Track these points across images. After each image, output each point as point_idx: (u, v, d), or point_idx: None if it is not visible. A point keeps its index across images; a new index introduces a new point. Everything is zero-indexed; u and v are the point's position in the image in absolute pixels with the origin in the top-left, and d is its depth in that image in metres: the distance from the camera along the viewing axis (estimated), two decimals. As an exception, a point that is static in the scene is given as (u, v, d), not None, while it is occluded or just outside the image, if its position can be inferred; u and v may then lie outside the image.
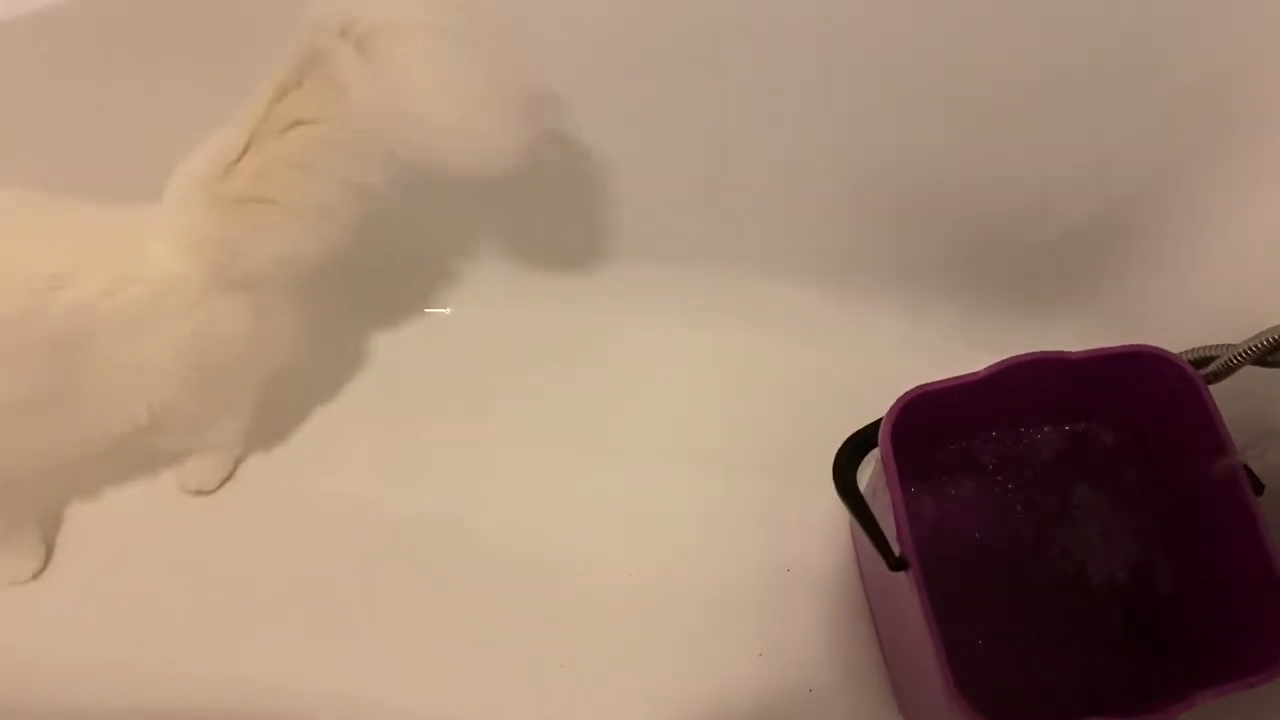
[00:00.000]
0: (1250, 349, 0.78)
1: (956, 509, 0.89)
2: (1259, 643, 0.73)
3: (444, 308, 1.12)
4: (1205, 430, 0.78)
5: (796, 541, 1.00)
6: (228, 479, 1.00)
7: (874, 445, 0.81)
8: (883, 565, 0.76)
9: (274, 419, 1.03)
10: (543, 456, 1.04)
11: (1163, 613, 0.85)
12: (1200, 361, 0.82)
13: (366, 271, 1.04)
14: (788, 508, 1.01)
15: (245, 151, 0.75)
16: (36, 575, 0.95)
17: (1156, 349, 0.80)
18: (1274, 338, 0.76)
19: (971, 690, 0.72)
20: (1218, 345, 0.81)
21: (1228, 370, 0.80)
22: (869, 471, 0.87)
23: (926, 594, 0.74)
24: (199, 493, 0.99)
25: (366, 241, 1.02)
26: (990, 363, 0.80)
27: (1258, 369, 0.80)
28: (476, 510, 1.00)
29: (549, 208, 1.04)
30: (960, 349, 0.88)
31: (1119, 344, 0.81)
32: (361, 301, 1.10)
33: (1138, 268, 0.92)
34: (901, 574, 0.76)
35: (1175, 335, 0.84)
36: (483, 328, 1.11)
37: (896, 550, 0.76)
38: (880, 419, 0.80)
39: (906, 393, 0.80)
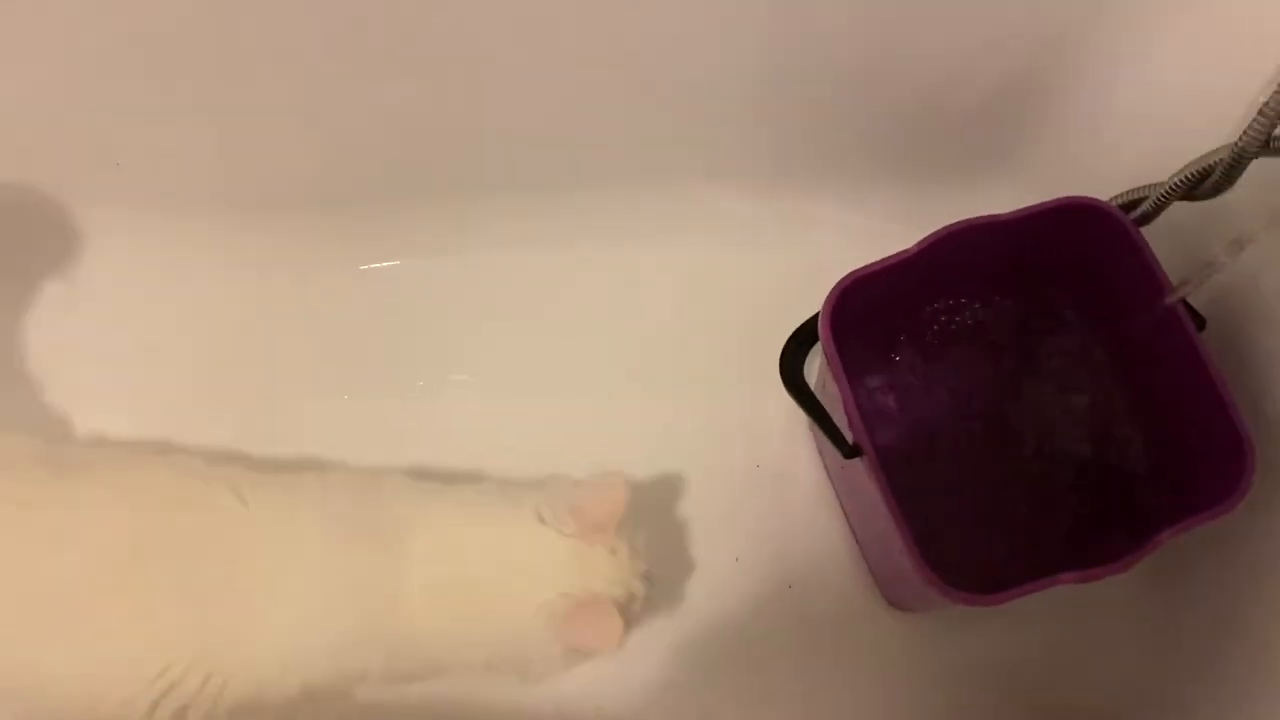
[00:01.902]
0: (1176, 185, 0.77)
1: (909, 389, 0.88)
2: (1216, 477, 0.73)
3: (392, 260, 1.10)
4: (1142, 272, 0.78)
5: (762, 443, 0.99)
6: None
7: (818, 338, 0.80)
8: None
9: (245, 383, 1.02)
10: (495, 399, 1.03)
11: (1125, 465, 0.86)
12: (1130, 205, 0.81)
13: (305, 227, 1.04)
14: (749, 411, 1.01)
15: None
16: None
17: (1084, 198, 0.79)
18: (1197, 170, 0.75)
19: (944, 566, 0.73)
20: (1145, 186, 0.80)
21: (1157, 209, 0.79)
22: (820, 364, 0.86)
23: (884, 478, 0.74)
24: None
25: (306, 196, 1.02)
26: (933, 239, 0.79)
27: (1187, 204, 0.79)
28: (455, 455, 0.98)
29: (462, 150, 1.01)
30: (901, 230, 0.85)
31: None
32: (301, 258, 1.07)
33: (1059, 121, 0.91)
34: (858, 461, 0.76)
35: (1105, 184, 0.83)
36: (422, 279, 1.09)
37: (850, 439, 0.76)
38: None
39: (840, 280, 0.79)
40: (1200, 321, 0.78)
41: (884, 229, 0.99)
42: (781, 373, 0.85)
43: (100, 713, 0.67)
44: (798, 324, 0.84)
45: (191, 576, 0.68)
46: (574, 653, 0.72)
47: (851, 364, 0.78)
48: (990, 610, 0.72)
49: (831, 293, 0.79)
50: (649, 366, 1.04)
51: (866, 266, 0.79)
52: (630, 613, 0.75)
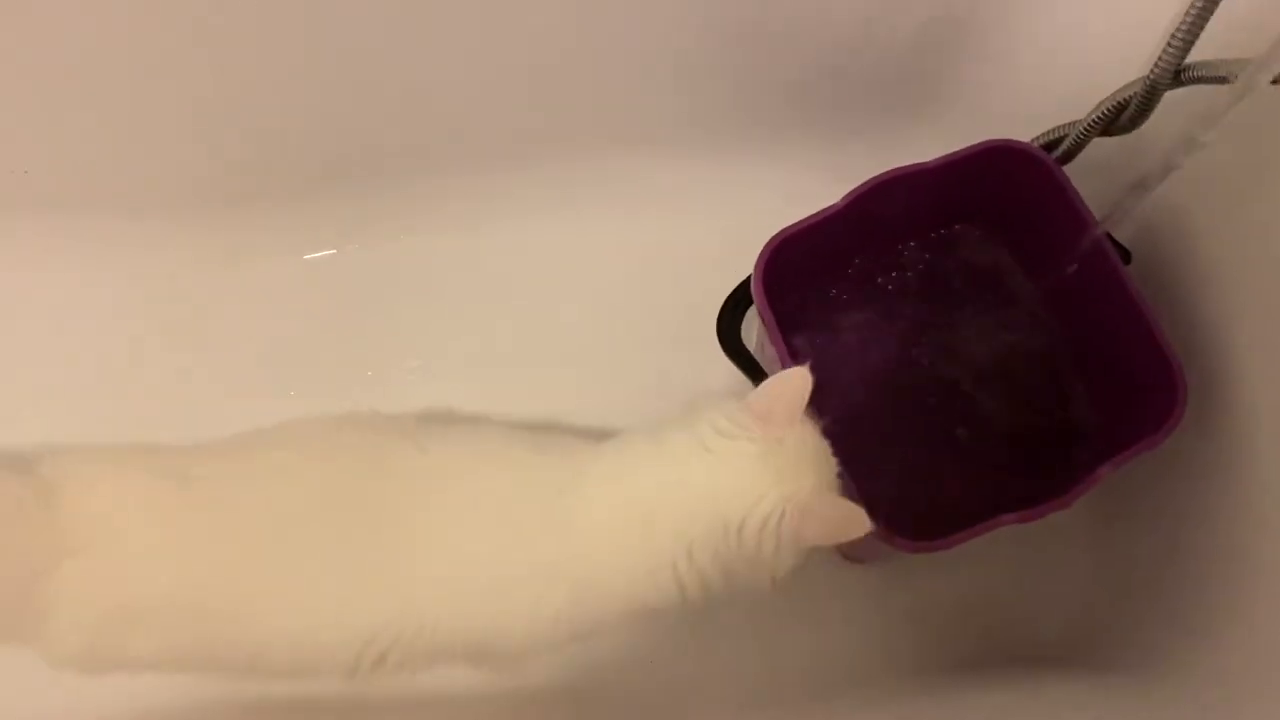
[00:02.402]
0: (1094, 121, 0.77)
1: (848, 344, 0.88)
2: (1151, 410, 0.74)
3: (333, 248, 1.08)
4: (1067, 210, 0.78)
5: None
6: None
7: (753, 299, 0.80)
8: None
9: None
10: (445, 383, 1.01)
11: (1065, 404, 0.86)
12: (1051, 144, 0.81)
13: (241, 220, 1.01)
14: (695, 376, 0.99)
15: None
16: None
17: (1006, 140, 0.79)
18: (1113, 105, 0.76)
19: (892, 517, 0.73)
20: (1065, 125, 0.81)
21: (1078, 147, 0.80)
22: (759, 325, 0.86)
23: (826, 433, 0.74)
24: None
25: (238, 188, 0.99)
26: (864, 191, 0.79)
27: (1107, 140, 0.79)
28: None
29: (393, 135, 1.00)
30: (834, 186, 0.85)
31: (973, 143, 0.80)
32: (238, 252, 1.05)
33: (979, 66, 0.90)
34: (800, 419, 0.76)
35: (1027, 125, 0.83)
36: (365, 266, 1.07)
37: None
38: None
39: (769, 240, 0.79)
40: (1126, 255, 0.79)
41: (817, 187, 0.98)
42: (718, 336, 0.85)
43: (309, 666, 0.68)
44: (734, 286, 0.84)
45: (388, 529, 0.68)
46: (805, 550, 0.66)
47: (788, 322, 0.78)
48: (942, 555, 0.72)
49: (761, 253, 0.78)
50: (593, 340, 1.03)
51: (794, 224, 0.79)
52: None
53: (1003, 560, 0.90)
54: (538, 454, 0.72)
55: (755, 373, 0.80)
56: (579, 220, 1.07)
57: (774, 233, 0.79)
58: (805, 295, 0.88)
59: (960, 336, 0.88)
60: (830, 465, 0.68)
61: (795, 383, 0.66)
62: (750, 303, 0.81)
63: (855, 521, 0.63)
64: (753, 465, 0.65)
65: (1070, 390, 0.86)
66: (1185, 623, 0.78)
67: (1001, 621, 0.90)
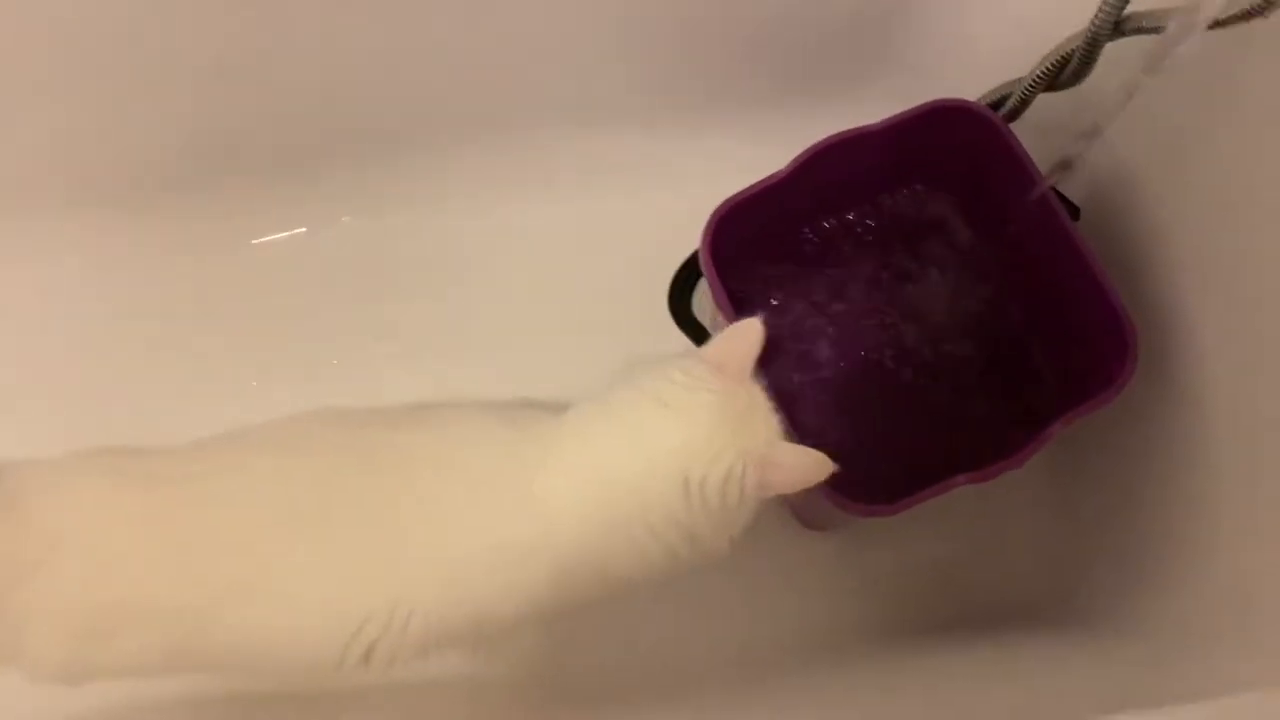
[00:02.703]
0: (1038, 77, 0.76)
1: (801, 312, 0.87)
2: (1103, 366, 0.74)
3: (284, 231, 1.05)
4: (1014, 168, 0.77)
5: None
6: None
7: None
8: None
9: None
10: (415, 364, 1.00)
11: (1019, 364, 0.86)
12: (997, 103, 0.81)
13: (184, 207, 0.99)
14: (654, 349, 0.99)
15: None
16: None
17: (951, 100, 0.79)
18: (1056, 60, 0.75)
19: (850, 483, 0.73)
20: (1009, 82, 0.80)
21: (1023, 104, 0.79)
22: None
23: (777, 403, 0.73)
24: None
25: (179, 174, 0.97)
26: (813, 157, 0.78)
27: (1052, 96, 0.79)
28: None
29: (330, 114, 0.98)
30: (787, 152, 0.84)
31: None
32: (183, 240, 1.02)
33: (921, 24, 0.90)
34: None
35: (974, 84, 0.83)
36: (317, 249, 1.05)
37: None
38: (701, 245, 0.78)
39: (716, 209, 0.78)
40: (1075, 211, 0.78)
41: (772, 155, 0.98)
42: (670, 308, 0.84)
43: (295, 663, 0.66)
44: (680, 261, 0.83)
45: (366, 519, 0.66)
46: (761, 504, 0.65)
47: (740, 292, 0.78)
48: (903, 519, 0.72)
49: (708, 223, 0.77)
50: (553, 317, 1.02)
51: (741, 192, 0.78)
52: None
53: (964, 520, 0.90)
54: (511, 430, 0.70)
55: (702, 341, 0.79)
56: (534, 199, 1.06)
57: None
58: (757, 264, 0.87)
59: (914, 299, 0.87)
60: (777, 422, 0.66)
61: (749, 334, 0.65)
62: (701, 274, 0.80)
63: (818, 465, 0.63)
64: (711, 417, 0.63)
65: (1025, 348, 0.86)
66: (1145, 575, 0.78)
67: (964, 582, 0.90)
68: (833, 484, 0.70)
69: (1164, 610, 0.74)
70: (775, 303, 0.87)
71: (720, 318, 0.78)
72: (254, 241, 1.04)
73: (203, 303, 1.02)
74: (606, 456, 0.65)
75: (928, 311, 0.87)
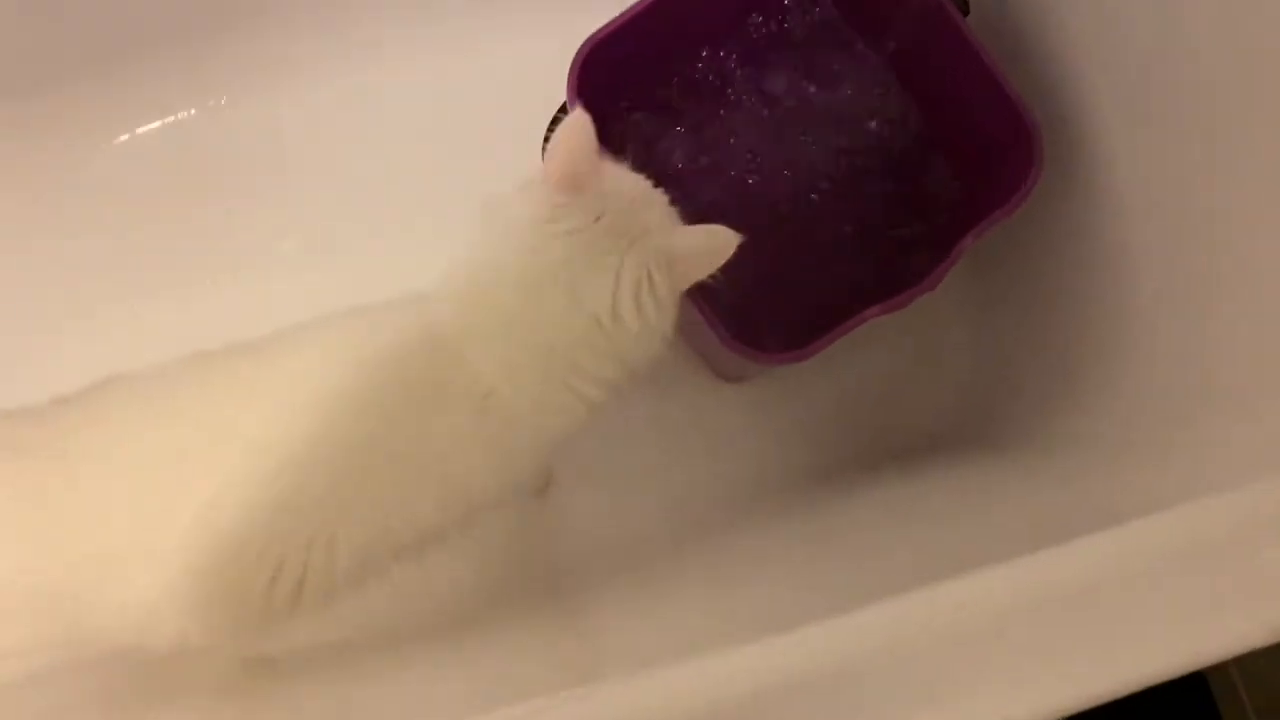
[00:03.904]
0: None
1: (690, 157, 0.81)
2: (1009, 172, 0.70)
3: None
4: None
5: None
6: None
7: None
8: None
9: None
10: (291, 268, 0.92)
11: (924, 183, 0.81)
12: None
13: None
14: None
15: None
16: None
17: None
18: None
19: (762, 329, 0.69)
20: None
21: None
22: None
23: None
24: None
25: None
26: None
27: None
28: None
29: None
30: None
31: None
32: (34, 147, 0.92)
33: None
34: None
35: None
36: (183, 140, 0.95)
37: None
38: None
39: (579, 49, 0.70)
40: (964, 7, 0.72)
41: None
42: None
43: (208, 622, 0.60)
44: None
45: (260, 453, 0.59)
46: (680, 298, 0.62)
47: (616, 141, 0.71)
48: (823, 360, 0.68)
49: (572, 66, 0.70)
50: (438, 188, 0.90)
51: (603, 28, 0.70)
52: None
53: (883, 357, 0.87)
54: (397, 324, 0.63)
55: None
56: (388, 69, 0.96)
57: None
58: (636, 108, 0.80)
59: (807, 125, 0.82)
60: (658, 195, 0.62)
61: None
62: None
63: (723, 240, 0.59)
64: (592, 240, 0.59)
65: (927, 164, 0.81)
66: (1062, 396, 0.76)
67: (888, 419, 0.88)
68: (739, 336, 0.66)
69: (1082, 429, 0.72)
70: (657, 149, 0.81)
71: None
72: (116, 140, 0.93)
73: (61, 213, 0.92)
74: (507, 325, 0.60)
75: (822, 135, 0.82)
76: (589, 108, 0.69)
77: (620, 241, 0.58)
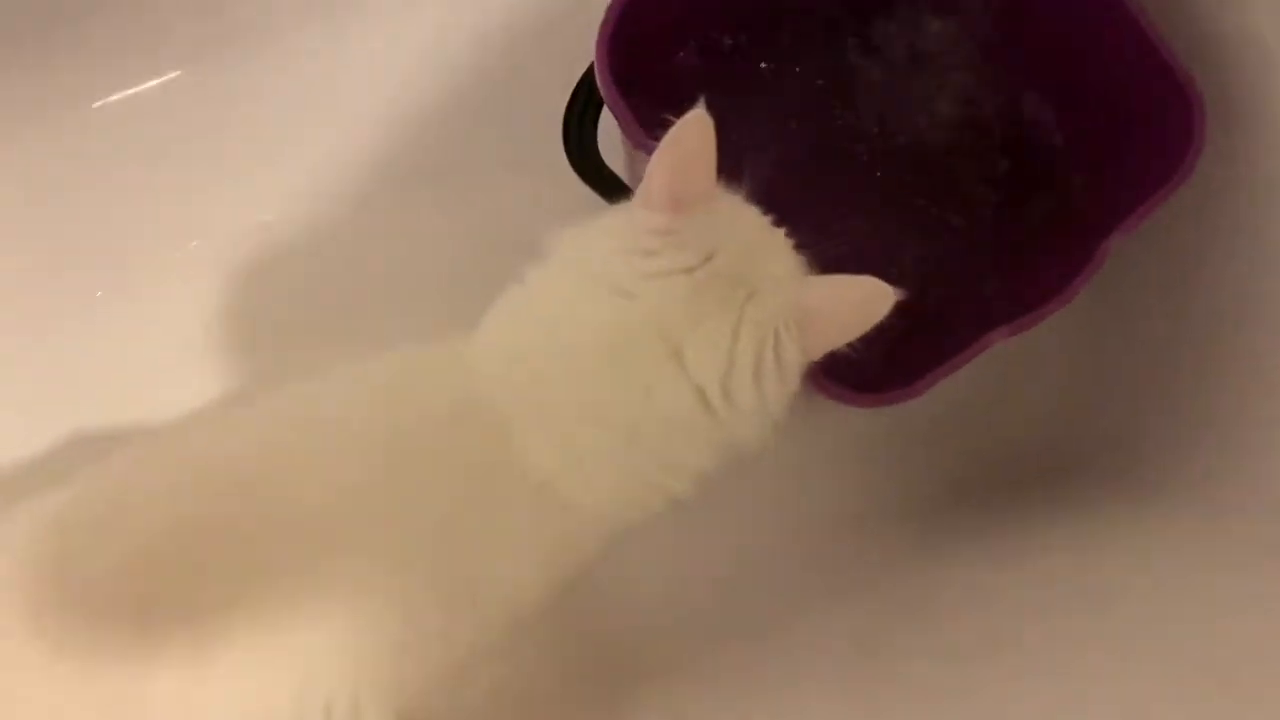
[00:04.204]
0: None
1: (747, 131, 0.66)
2: (1153, 146, 0.55)
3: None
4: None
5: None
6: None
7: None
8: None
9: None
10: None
11: (1035, 159, 0.66)
12: None
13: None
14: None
15: None
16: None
17: None
18: None
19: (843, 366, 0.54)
20: None
21: None
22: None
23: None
24: None
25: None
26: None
27: None
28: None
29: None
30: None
31: None
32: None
33: None
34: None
35: None
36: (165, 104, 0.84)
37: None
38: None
39: (607, 12, 0.55)
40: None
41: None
42: (568, 155, 0.62)
43: None
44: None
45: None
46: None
47: (656, 121, 0.56)
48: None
49: (601, 29, 0.55)
50: (436, 158, 0.82)
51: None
52: None
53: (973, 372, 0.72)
54: (419, 392, 0.49)
55: (614, 193, 0.58)
56: (386, 27, 0.83)
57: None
58: (678, 78, 0.65)
59: (884, 89, 0.66)
60: (780, 233, 0.48)
61: (695, 135, 0.45)
62: (600, 101, 0.58)
63: (874, 295, 0.44)
64: (702, 286, 0.44)
65: (1042, 135, 0.65)
66: (1184, 423, 0.62)
67: (980, 442, 0.73)
68: (828, 372, 0.51)
69: (1209, 463, 0.59)
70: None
71: (638, 157, 0.56)
72: (95, 105, 0.81)
73: (32, 192, 0.81)
74: (582, 407, 0.46)
75: (904, 101, 0.66)
76: (620, 77, 0.55)
77: (738, 291, 0.44)
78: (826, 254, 0.48)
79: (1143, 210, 0.53)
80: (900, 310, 0.44)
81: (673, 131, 0.45)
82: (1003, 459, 0.72)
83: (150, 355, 0.78)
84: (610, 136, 0.62)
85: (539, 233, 0.70)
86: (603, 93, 0.55)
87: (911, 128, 0.66)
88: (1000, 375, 0.71)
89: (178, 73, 0.83)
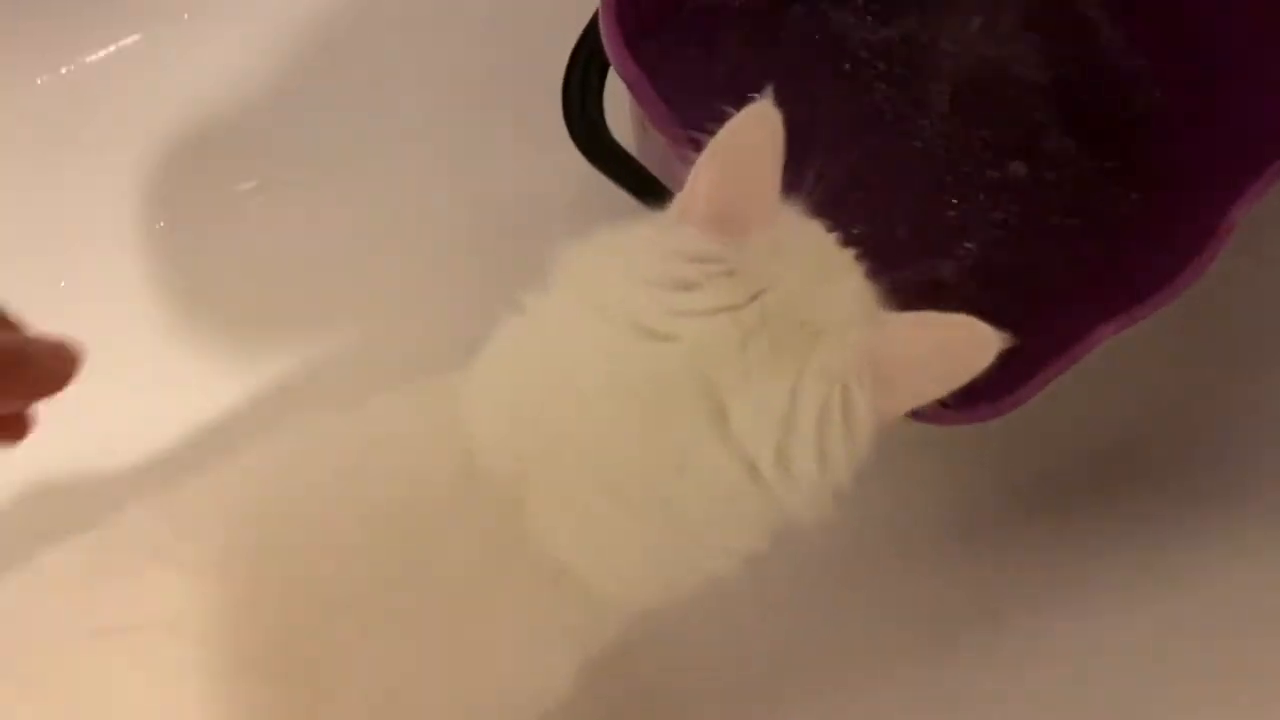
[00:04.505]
0: None
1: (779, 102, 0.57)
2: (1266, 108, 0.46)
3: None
4: None
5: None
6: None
7: (607, 60, 0.48)
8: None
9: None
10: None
11: (1124, 115, 0.57)
12: None
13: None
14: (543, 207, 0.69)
15: None
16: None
17: None
18: None
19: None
20: None
21: None
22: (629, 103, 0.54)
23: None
24: None
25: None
26: None
27: None
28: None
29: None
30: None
31: None
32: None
33: None
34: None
35: None
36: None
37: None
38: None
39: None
40: None
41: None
42: (569, 129, 0.53)
43: None
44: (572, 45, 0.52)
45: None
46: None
47: (672, 92, 0.47)
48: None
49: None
50: (415, 135, 0.75)
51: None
52: None
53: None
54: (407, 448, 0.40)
55: (638, 180, 0.49)
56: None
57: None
58: (694, 40, 0.56)
59: (929, 47, 0.57)
60: (849, 255, 0.39)
61: (762, 122, 0.36)
62: (605, 66, 0.49)
63: (975, 339, 0.35)
64: (754, 329, 0.35)
65: (1138, 85, 0.55)
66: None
67: (1064, 446, 0.63)
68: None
69: None
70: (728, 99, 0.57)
71: (651, 131, 0.47)
72: (39, 80, 0.76)
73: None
74: (602, 479, 0.37)
75: (957, 55, 0.57)
76: (629, 35, 0.46)
77: (799, 335, 0.35)
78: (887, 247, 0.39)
79: (1272, 172, 0.43)
80: (967, 304, 0.35)
81: (726, 129, 0.36)
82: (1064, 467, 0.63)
83: (123, 345, 0.69)
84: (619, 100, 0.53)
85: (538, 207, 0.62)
86: (609, 51, 0.46)
87: (981, 80, 0.56)
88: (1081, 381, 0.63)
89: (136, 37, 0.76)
